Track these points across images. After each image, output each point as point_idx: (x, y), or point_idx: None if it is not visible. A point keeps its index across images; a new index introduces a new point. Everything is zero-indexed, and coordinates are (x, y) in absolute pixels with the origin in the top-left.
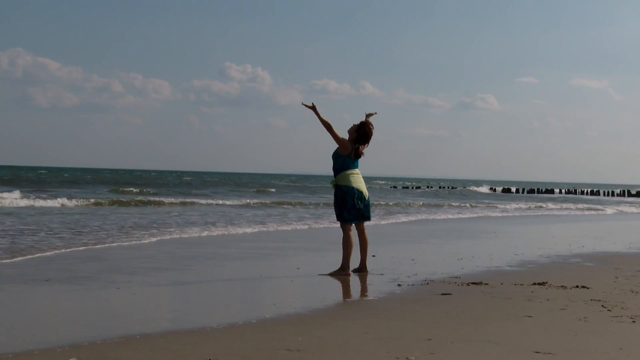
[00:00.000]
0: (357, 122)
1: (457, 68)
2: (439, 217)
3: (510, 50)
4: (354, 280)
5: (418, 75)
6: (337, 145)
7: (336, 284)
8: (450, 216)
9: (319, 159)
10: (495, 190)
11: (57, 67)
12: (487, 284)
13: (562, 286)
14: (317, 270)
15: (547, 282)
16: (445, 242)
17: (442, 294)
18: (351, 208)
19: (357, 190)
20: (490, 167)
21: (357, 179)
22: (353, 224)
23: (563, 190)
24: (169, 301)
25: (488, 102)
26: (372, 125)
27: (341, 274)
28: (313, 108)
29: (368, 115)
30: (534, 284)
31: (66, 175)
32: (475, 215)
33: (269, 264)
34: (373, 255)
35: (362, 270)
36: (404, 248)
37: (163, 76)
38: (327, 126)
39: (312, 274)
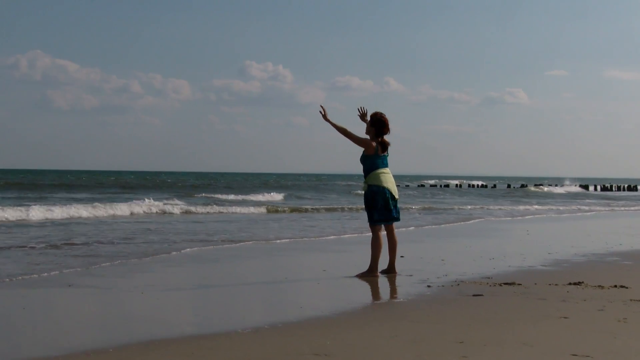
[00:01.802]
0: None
1: (483, 62)
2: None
3: (539, 42)
4: (382, 281)
5: (443, 70)
6: (362, 149)
7: (364, 286)
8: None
9: (344, 155)
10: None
11: (76, 68)
12: (520, 285)
13: (599, 286)
14: (343, 272)
15: (583, 282)
16: (475, 242)
17: (474, 295)
18: (382, 208)
19: (388, 189)
20: (518, 164)
21: (388, 178)
22: (382, 225)
23: (598, 187)
24: (193, 305)
25: (517, 97)
26: (381, 112)
27: (369, 275)
28: (324, 116)
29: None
30: (570, 284)
31: (112, 178)
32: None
33: (293, 265)
34: (402, 256)
35: (390, 271)
36: (433, 248)
37: (183, 76)
38: (343, 131)
39: (339, 276)
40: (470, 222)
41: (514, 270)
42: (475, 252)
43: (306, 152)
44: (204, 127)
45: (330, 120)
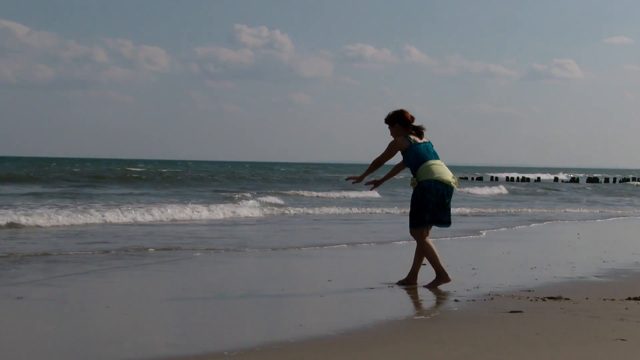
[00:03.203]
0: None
1: (527, 27)
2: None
3: (596, 3)
4: (400, 295)
5: (478, 37)
6: (398, 155)
7: (377, 300)
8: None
9: (356, 141)
10: (577, 179)
11: (25, 32)
12: (568, 299)
13: None
14: (352, 282)
15: None
16: (515, 247)
17: (511, 312)
18: (434, 208)
19: (443, 183)
20: (570, 151)
21: (440, 169)
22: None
23: None
24: (172, 321)
25: (567, 70)
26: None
27: (440, 282)
28: (358, 180)
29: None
30: (629, 298)
31: (74, 169)
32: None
33: (292, 274)
34: (423, 264)
35: (410, 282)
36: (462, 254)
37: (158, 42)
38: (376, 165)
39: (347, 288)
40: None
41: (561, 281)
42: (513, 259)
43: (309, 137)
44: (185, 106)
45: (364, 175)
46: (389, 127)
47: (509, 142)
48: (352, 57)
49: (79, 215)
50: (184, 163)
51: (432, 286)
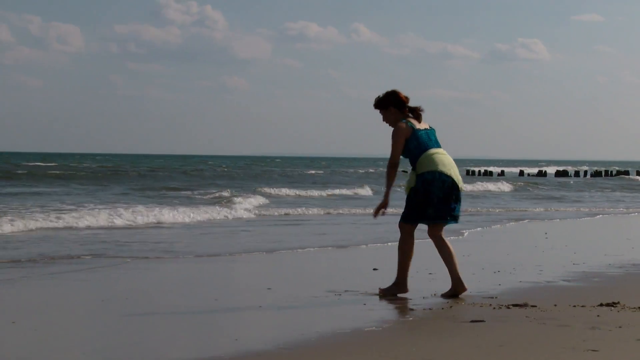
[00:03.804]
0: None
1: (489, 3)
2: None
3: None
4: (348, 303)
5: (434, 13)
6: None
7: (322, 310)
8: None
9: (299, 131)
10: (543, 172)
11: None
12: (535, 306)
13: None
14: (295, 290)
15: (619, 303)
16: (476, 249)
17: (472, 322)
18: (439, 203)
19: (449, 175)
20: (536, 142)
21: (444, 159)
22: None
23: None
24: (88, 338)
25: (533, 51)
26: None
27: (396, 291)
28: (387, 203)
29: None
30: (601, 305)
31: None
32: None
33: (229, 282)
34: (374, 269)
35: (457, 290)
36: (418, 257)
37: (71, 19)
38: (395, 166)
39: (289, 297)
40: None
41: (527, 287)
42: (475, 263)
43: (247, 127)
44: (104, 92)
45: (388, 192)
46: (381, 113)
47: (469, 131)
48: (293, 36)
49: None
50: (104, 157)
51: (386, 293)
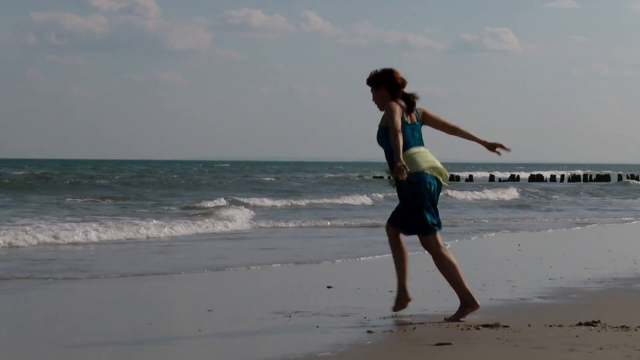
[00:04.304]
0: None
1: None
2: None
3: None
4: (299, 326)
5: (393, 1)
6: (384, 120)
7: (270, 334)
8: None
9: (241, 132)
10: (496, 178)
11: None
12: (507, 327)
13: (623, 327)
14: (239, 312)
15: (599, 322)
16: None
17: (437, 344)
18: (431, 207)
19: (431, 176)
20: (505, 142)
21: (427, 157)
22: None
23: (625, 176)
24: None
25: (503, 41)
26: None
27: (467, 311)
28: (403, 167)
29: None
30: (580, 324)
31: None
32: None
33: (165, 304)
34: (329, 287)
35: (468, 306)
36: (375, 274)
37: None
38: (398, 132)
39: (233, 320)
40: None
41: (498, 304)
42: (440, 279)
43: (181, 127)
44: (21, 88)
45: (400, 157)
46: (371, 91)
47: (431, 130)
48: (235, 25)
49: None
50: (21, 162)
51: (456, 318)
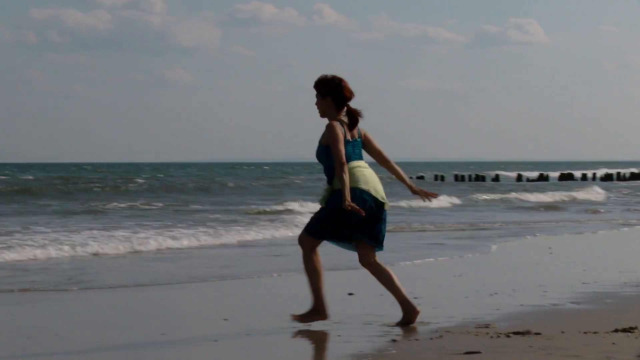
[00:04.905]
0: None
1: None
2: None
3: None
4: (320, 334)
5: None
6: (324, 138)
7: (290, 345)
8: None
9: (252, 132)
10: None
11: None
12: (539, 334)
13: None
14: (256, 321)
15: (637, 328)
16: (469, 268)
17: (466, 353)
18: (362, 224)
19: (368, 193)
20: (533, 140)
21: (367, 175)
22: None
23: None
24: None
25: (528, 32)
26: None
27: (314, 317)
28: (351, 206)
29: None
30: (616, 330)
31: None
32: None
33: (177, 312)
34: (350, 294)
35: (409, 318)
36: (401, 279)
37: None
38: (344, 164)
39: (250, 329)
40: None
41: (529, 311)
42: (467, 284)
43: (192, 128)
44: (21, 88)
45: (347, 195)
46: (316, 96)
47: (452, 128)
48: (245, 19)
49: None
50: (26, 166)
51: (304, 320)
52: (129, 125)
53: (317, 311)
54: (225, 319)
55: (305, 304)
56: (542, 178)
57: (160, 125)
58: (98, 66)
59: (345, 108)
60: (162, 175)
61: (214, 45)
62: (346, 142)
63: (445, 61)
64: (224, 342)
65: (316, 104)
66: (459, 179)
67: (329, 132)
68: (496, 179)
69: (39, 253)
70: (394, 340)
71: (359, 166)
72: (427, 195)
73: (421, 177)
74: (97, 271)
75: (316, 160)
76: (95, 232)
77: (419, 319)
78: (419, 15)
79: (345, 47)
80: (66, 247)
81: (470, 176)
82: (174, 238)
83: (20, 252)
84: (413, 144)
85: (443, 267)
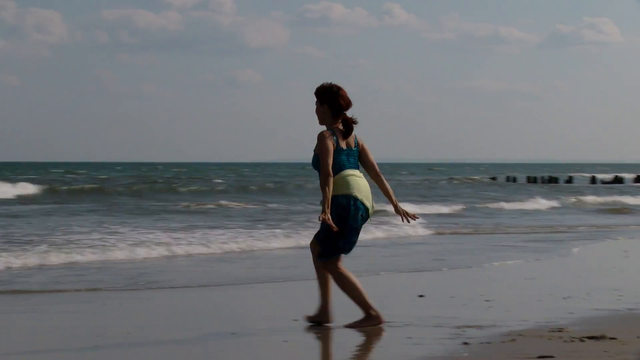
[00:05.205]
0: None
1: None
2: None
3: None
4: (388, 337)
5: None
6: (318, 147)
7: (360, 346)
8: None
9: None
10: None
11: None
12: (614, 339)
13: None
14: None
15: None
16: (542, 270)
17: (539, 357)
18: (351, 233)
19: (361, 202)
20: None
21: (360, 184)
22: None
23: None
24: None
25: (603, 32)
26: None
27: (369, 323)
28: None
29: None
30: None
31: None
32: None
33: (245, 312)
34: (421, 295)
35: (322, 319)
36: (472, 281)
37: (51, 4)
38: (328, 175)
39: (318, 327)
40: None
41: (604, 315)
42: (540, 287)
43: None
44: (92, 89)
45: (325, 207)
46: (316, 103)
47: (524, 129)
48: (314, 19)
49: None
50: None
51: (358, 326)
52: (198, 125)
53: (371, 317)
54: (294, 320)
55: (376, 303)
56: (617, 180)
57: (229, 125)
58: (168, 66)
59: (342, 117)
60: (234, 175)
61: (283, 46)
62: (339, 150)
63: (517, 61)
64: (293, 340)
65: (316, 111)
66: (531, 180)
67: (319, 142)
68: (569, 180)
69: (117, 254)
70: (465, 343)
71: (353, 174)
72: (407, 216)
73: (493, 179)
74: (186, 270)
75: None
76: (188, 233)
77: (331, 324)
78: (490, 15)
79: (415, 47)
80: (140, 249)
81: (542, 178)
82: (257, 239)
83: (99, 253)
84: (483, 145)
85: (514, 272)
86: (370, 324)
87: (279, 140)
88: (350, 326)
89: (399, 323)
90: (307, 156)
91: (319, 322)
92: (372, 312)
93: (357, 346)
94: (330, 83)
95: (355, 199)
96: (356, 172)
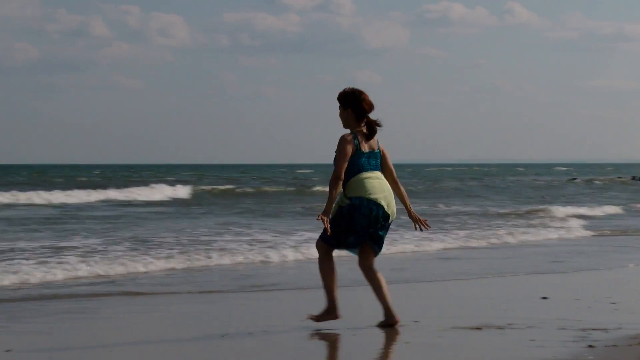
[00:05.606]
0: None
1: None
2: None
3: None
4: (510, 340)
5: None
6: (336, 150)
7: (482, 349)
8: None
9: (442, 134)
10: None
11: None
12: None
13: None
14: (445, 323)
15: None
16: None
17: None
18: (362, 230)
19: (378, 203)
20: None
21: (376, 185)
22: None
23: None
24: None
25: None
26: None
27: (327, 317)
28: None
29: None
30: None
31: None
32: None
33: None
34: (544, 297)
35: (389, 322)
36: (597, 284)
37: (174, 8)
38: (339, 178)
39: (440, 329)
40: None
41: None
42: None
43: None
44: (212, 91)
45: (328, 208)
46: (339, 107)
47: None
48: (434, 19)
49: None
50: (220, 168)
51: (318, 319)
52: (318, 126)
53: (330, 311)
54: (416, 321)
55: (495, 307)
56: None
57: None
58: (288, 68)
59: (365, 120)
60: None
61: (403, 46)
62: (360, 153)
63: None
64: (413, 344)
65: (339, 115)
66: None
67: (338, 146)
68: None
69: (239, 259)
70: (590, 347)
71: (369, 177)
72: (419, 223)
73: (620, 178)
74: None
75: (495, 162)
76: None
77: (399, 325)
78: (615, 12)
79: (537, 46)
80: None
81: None
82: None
83: (227, 256)
84: (607, 144)
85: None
86: (329, 317)
87: (399, 141)
88: (312, 318)
89: (522, 325)
90: (429, 157)
91: (328, 319)
92: (332, 307)
93: (479, 348)
94: (352, 88)
95: (369, 200)
96: (375, 173)
